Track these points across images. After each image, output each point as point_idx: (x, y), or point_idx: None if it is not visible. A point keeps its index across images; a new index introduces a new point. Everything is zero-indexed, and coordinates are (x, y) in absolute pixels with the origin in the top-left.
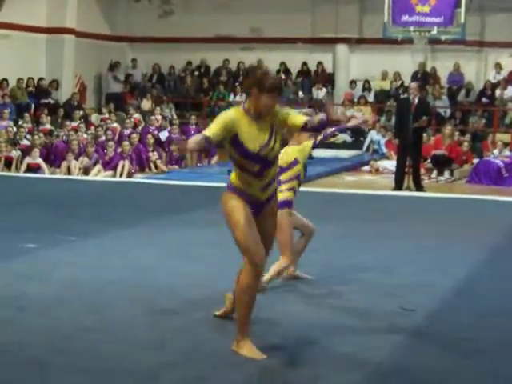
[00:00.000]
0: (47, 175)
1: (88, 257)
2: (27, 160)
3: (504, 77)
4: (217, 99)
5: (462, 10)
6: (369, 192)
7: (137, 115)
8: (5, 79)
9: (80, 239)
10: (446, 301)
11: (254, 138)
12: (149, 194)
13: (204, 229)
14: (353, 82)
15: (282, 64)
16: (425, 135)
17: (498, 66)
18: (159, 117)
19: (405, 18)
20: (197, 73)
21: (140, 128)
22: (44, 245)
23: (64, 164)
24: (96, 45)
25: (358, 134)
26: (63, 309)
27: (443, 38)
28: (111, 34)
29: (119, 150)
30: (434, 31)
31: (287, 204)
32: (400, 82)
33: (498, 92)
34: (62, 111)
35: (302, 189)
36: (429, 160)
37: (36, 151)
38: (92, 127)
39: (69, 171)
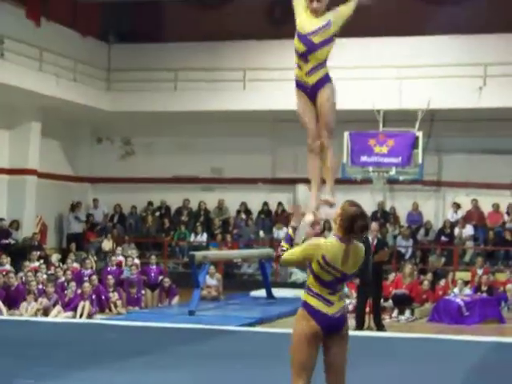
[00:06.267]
0: (5, 317)
1: None
2: None
3: (462, 215)
4: (178, 239)
5: (420, 150)
6: None
7: (75, 264)
8: None
9: (38, 382)
10: None
11: None
12: (109, 335)
13: (167, 371)
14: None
15: (243, 204)
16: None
17: (456, 205)
18: (120, 257)
19: (363, 158)
20: (158, 213)
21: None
22: None
23: (23, 305)
24: (58, 185)
25: None
26: None
27: (401, 178)
28: (73, 174)
29: (79, 290)
30: (393, 171)
31: None
32: None
33: (456, 230)
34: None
35: (262, 329)
36: (385, 300)
37: None
38: (52, 267)
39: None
